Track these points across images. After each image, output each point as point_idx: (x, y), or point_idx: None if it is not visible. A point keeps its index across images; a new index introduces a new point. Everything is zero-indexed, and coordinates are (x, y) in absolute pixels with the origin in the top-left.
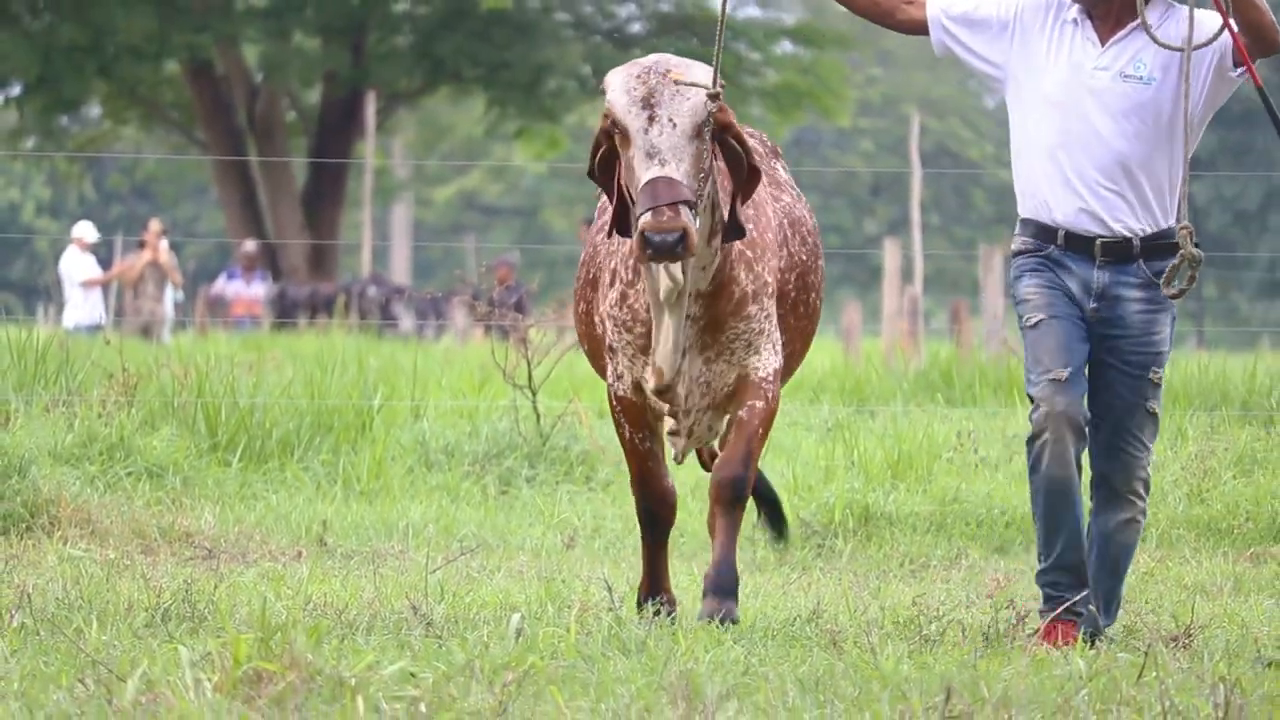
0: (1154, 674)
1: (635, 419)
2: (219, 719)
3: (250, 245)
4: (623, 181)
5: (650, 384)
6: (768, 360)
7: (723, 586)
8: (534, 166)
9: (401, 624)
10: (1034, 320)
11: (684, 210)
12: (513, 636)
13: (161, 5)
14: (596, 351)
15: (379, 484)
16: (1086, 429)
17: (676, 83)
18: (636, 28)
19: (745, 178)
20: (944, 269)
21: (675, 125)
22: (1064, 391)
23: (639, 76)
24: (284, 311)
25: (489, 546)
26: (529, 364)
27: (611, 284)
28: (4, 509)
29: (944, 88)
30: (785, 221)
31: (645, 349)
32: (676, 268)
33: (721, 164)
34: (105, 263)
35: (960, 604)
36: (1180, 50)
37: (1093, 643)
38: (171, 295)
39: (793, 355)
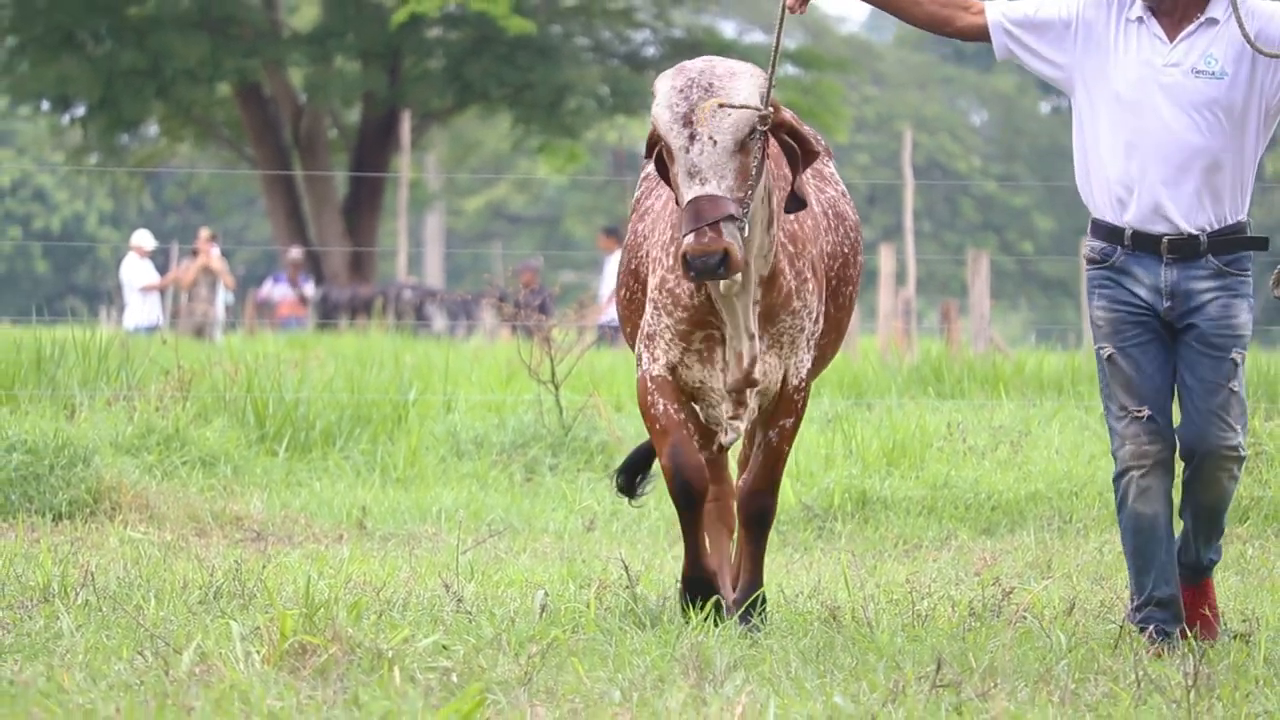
0: (1128, 646)
1: (669, 393)
2: (267, 688)
3: (295, 252)
4: (674, 192)
5: (732, 378)
6: (804, 361)
7: (750, 597)
8: (556, 179)
9: (435, 601)
10: (1105, 353)
11: (726, 228)
12: (537, 612)
13: (214, 32)
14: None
15: (414, 472)
16: (1172, 460)
17: (722, 105)
18: (650, 51)
19: (803, 157)
20: (935, 272)
21: (716, 143)
22: (1146, 429)
23: (681, 91)
24: (326, 313)
25: (515, 529)
26: (552, 361)
27: (654, 270)
28: (70, 495)
29: (934, 106)
30: (830, 212)
31: (685, 335)
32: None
33: (778, 152)
34: (162, 269)
35: (950, 582)
36: (1276, 56)
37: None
38: (223, 298)
39: (829, 344)
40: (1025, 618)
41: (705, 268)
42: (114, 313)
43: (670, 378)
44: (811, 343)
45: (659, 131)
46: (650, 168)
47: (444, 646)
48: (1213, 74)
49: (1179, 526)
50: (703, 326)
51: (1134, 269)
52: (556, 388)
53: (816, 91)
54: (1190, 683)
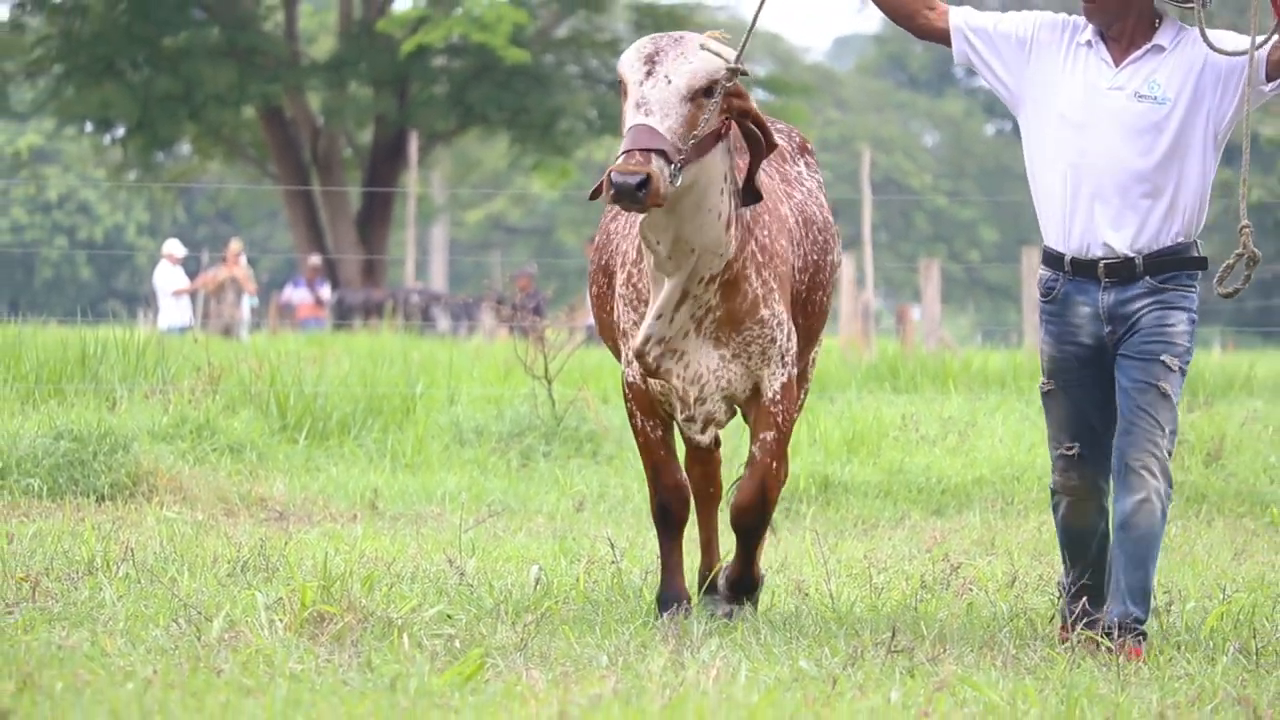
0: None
1: (645, 406)
2: (289, 653)
3: (314, 259)
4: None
5: (636, 342)
6: (777, 374)
7: (739, 588)
8: (549, 193)
9: (440, 574)
10: (1046, 388)
11: (655, 159)
12: (532, 585)
13: (241, 61)
14: (605, 330)
15: (420, 458)
16: (1106, 486)
17: (703, 47)
18: None
19: (759, 151)
20: (890, 278)
21: (670, 82)
22: (1077, 466)
23: (652, 39)
24: (341, 315)
25: (512, 510)
26: (545, 358)
27: (622, 266)
28: (111, 479)
29: (890, 128)
30: (799, 220)
31: None
32: (660, 242)
33: (744, 149)
34: (193, 275)
35: (904, 558)
36: (1243, 55)
37: (1130, 637)
38: (248, 302)
39: (801, 353)
40: (971, 590)
41: (624, 187)
42: (150, 314)
43: (644, 386)
44: (788, 358)
45: (620, 72)
46: None
47: (448, 615)
48: (1155, 99)
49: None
50: None
51: (1075, 297)
52: (549, 382)
53: (784, 114)
54: (1119, 648)
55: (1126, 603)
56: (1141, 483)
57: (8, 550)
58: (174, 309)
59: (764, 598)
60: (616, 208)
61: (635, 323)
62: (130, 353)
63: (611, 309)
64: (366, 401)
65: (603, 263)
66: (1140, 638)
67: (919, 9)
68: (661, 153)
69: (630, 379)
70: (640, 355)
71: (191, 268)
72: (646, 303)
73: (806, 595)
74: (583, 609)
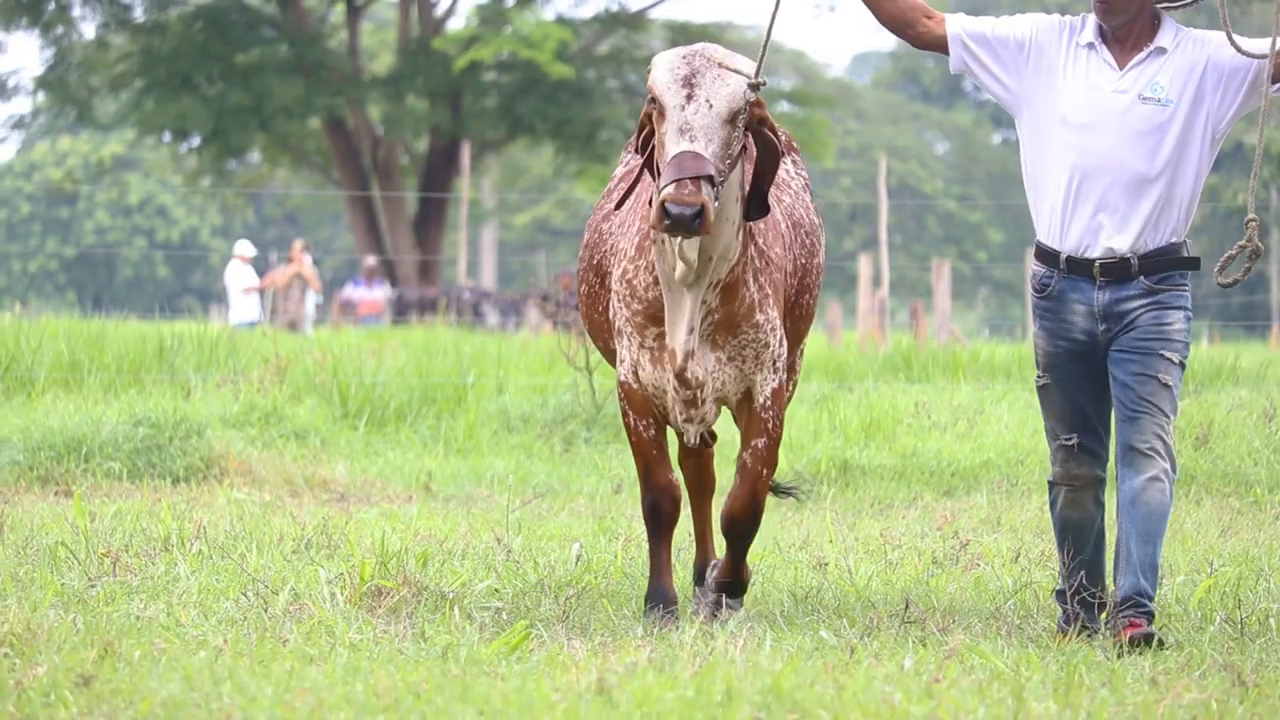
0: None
1: (639, 406)
2: (349, 624)
3: (373, 259)
4: (655, 158)
5: (666, 367)
6: (769, 379)
7: (730, 588)
8: (591, 198)
9: (488, 551)
10: (1041, 382)
11: (705, 187)
12: (573, 561)
13: (307, 76)
14: (597, 331)
15: (471, 443)
16: (1104, 476)
17: (722, 65)
18: None
19: (773, 163)
20: (905, 277)
21: (711, 106)
22: (1075, 456)
23: (684, 58)
24: (399, 310)
25: (555, 492)
26: (586, 351)
27: (618, 262)
28: (186, 462)
29: (905, 138)
30: (789, 224)
31: (643, 327)
32: (692, 251)
33: (752, 153)
34: (262, 274)
35: (916, 535)
36: (1263, 57)
37: (1135, 615)
38: (312, 298)
39: (788, 352)
40: (979, 565)
41: (681, 218)
42: (222, 310)
43: (637, 386)
44: (779, 364)
45: (655, 91)
46: (620, 170)
47: (496, 590)
48: (1158, 101)
49: (1113, 538)
50: (656, 323)
51: (1070, 295)
52: (590, 373)
53: (807, 125)
54: (1118, 620)
55: (1138, 576)
56: (1149, 463)
57: (91, 528)
58: (244, 305)
59: (788, 573)
60: (609, 207)
61: (628, 320)
62: (204, 346)
63: (605, 307)
64: (421, 391)
65: (594, 261)
66: (1148, 616)
67: (917, 18)
68: (709, 178)
69: (623, 378)
70: (683, 374)
71: (260, 267)
72: (640, 300)
73: (826, 571)
74: (620, 584)
